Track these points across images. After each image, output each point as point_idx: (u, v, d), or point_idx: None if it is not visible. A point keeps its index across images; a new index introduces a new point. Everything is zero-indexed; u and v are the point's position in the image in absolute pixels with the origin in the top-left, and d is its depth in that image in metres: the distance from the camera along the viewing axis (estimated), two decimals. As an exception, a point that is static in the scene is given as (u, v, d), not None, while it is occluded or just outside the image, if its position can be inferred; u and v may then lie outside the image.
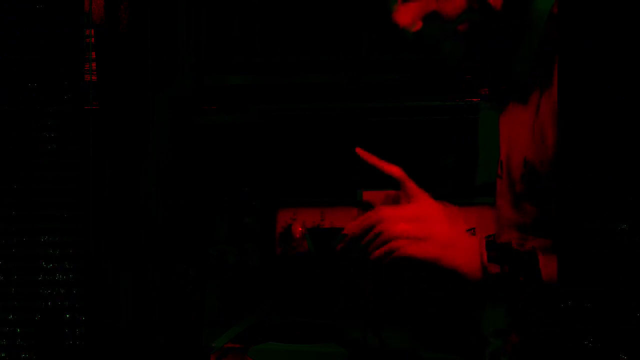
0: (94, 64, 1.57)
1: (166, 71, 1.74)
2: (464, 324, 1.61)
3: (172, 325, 1.68)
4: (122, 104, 1.58)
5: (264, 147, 2.20)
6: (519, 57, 1.30)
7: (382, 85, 1.95)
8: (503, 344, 1.33)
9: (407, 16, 1.27)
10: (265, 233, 2.11)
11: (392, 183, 1.75)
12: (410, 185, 1.34)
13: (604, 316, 1.11)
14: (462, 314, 1.64)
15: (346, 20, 1.94)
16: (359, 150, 1.41)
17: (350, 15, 1.94)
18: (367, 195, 1.73)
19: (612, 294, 1.10)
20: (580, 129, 1.11)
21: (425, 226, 1.26)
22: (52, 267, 1.56)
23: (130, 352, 1.57)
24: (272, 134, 2.19)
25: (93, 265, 1.56)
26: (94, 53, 1.57)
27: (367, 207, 1.71)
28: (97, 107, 1.57)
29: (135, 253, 1.57)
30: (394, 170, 1.37)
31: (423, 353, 1.54)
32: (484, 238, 1.25)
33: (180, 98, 1.91)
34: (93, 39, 1.57)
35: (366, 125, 2.16)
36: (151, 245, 1.61)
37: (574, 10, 1.13)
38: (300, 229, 2.06)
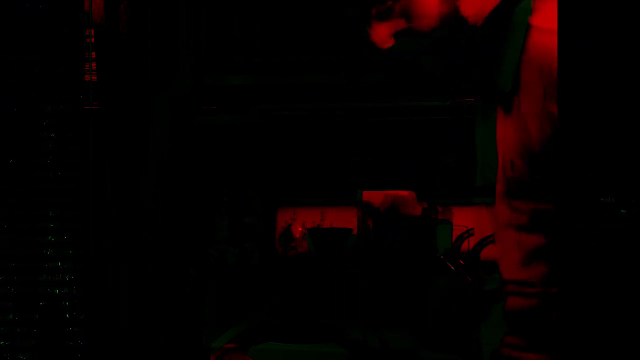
0: (94, 64, 1.57)
1: (166, 71, 1.74)
2: (463, 324, 1.61)
3: (172, 325, 1.67)
4: (122, 104, 1.57)
5: (264, 147, 2.19)
6: (501, 68, 1.34)
7: (382, 85, 1.95)
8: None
9: (379, 34, 1.34)
10: (265, 233, 2.11)
11: (391, 183, 1.75)
12: None
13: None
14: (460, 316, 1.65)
15: (346, 20, 1.94)
16: None
17: (350, 15, 1.94)
18: (367, 195, 1.74)
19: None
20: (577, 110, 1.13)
21: None
22: (52, 267, 1.56)
23: (130, 352, 1.57)
24: (272, 134, 2.19)
25: (93, 265, 1.56)
26: (94, 53, 1.57)
27: (367, 207, 1.71)
28: (97, 107, 1.57)
29: (135, 253, 1.57)
30: None
31: (423, 353, 1.54)
32: None
33: (180, 98, 1.91)
34: (93, 39, 1.57)
35: (366, 125, 2.16)
36: (151, 245, 1.61)
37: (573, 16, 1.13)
38: (300, 229, 2.06)
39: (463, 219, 1.93)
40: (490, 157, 1.54)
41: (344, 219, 2.00)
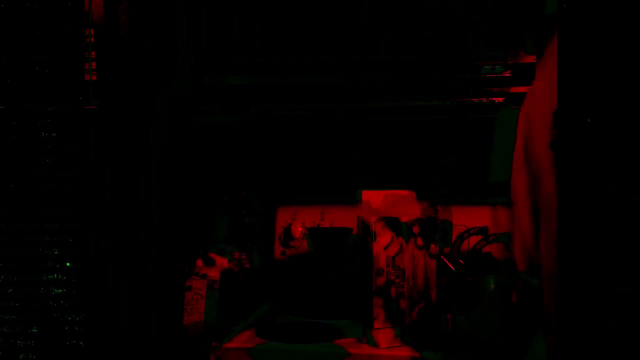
0: (94, 64, 1.57)
1: (166, 71, 1.74)
2: (461, 323, 1.61)
3: (172, 324, 1.68)
4: (122, 103, 1.58)
5: (264, 147, 2.20)
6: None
7: (382, 85, 1.96)
8: None
9: None
10: (265, 233, 2.11)
11: (391, 183, 1.75)
12: None
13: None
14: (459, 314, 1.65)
15: (346, 21, 1.94)
16: None
17: (351, 15, 1.94)
18: (367, 195, 1.74)
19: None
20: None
21: None
22: (52, 267, 1.56)
23: (130, 351, 1.57)
24: (272, 134, 2.19)
25: (93, 265, 1.56)
26: (94, 53, 1.57)
27: (367, 206, 1.71)
28: (97, 107, 1.57)
29: (135, 253, 1.57)
30: None
31: (424, 353, 1.54)
32: None
33: (180, 98, 1.91)
34: (93, 39, 1.57)
35: (366, 125, 2.16)
36: (151, 245, 1.61)
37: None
38: (300, 228, 2.06)
39: (463, 218, 1.93)
40: (508, 155, 1.56)
41: (344, 218, 2.00)
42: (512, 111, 1.66)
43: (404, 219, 1.63)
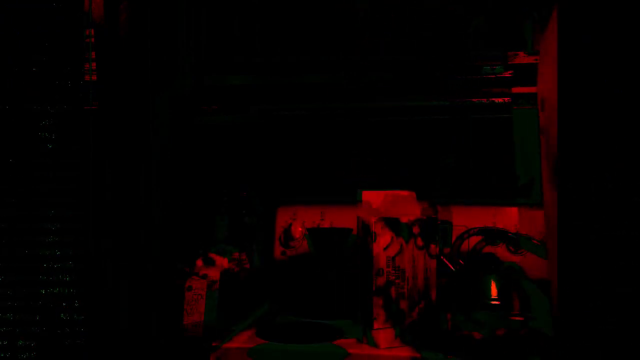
0: (94, 64, 1.57)
1: (166, 71, 1.74)
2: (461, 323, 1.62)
3: (172, 325, 1.68)
4: (122, 104, 1.58)
5: (264, 147, 2.20)
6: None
7: (382, 85, 1.96)
8: None
9: None
10: (265, 233, 2.11)
11: (391, 183, 1.75)
12: None
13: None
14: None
15: (346, 21, 1.94)
16: None
17: (351, 15, 1.94)
18: (367, 195, 1.74)
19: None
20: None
21: None
22: (52, 267, 1.56)
23: (130, 351, 1.57)
24: (272, 134, 2.19)
25: (93, 265, 1.56)
26: (94, 53, 1.57)
27: (367, 206, 1.71)
28: (97, 107, 1.57)
29: (135, 253, 1.57)
30: None
31: (424, 353, 1.54)
32: None
33: (180, 98, 1.91)
34: (93, 39, 1.57)
35: (366, 125, 2.16)
36: (151, 245, 1.61)
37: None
38: (300, 228, 2.06)
39: (463, 219, 1.94)
40: (531, 155, 1.55)
41: (344, 218, 2.00)
42: (530, 111, 1.66)
43: (404, 219, 1.63)
